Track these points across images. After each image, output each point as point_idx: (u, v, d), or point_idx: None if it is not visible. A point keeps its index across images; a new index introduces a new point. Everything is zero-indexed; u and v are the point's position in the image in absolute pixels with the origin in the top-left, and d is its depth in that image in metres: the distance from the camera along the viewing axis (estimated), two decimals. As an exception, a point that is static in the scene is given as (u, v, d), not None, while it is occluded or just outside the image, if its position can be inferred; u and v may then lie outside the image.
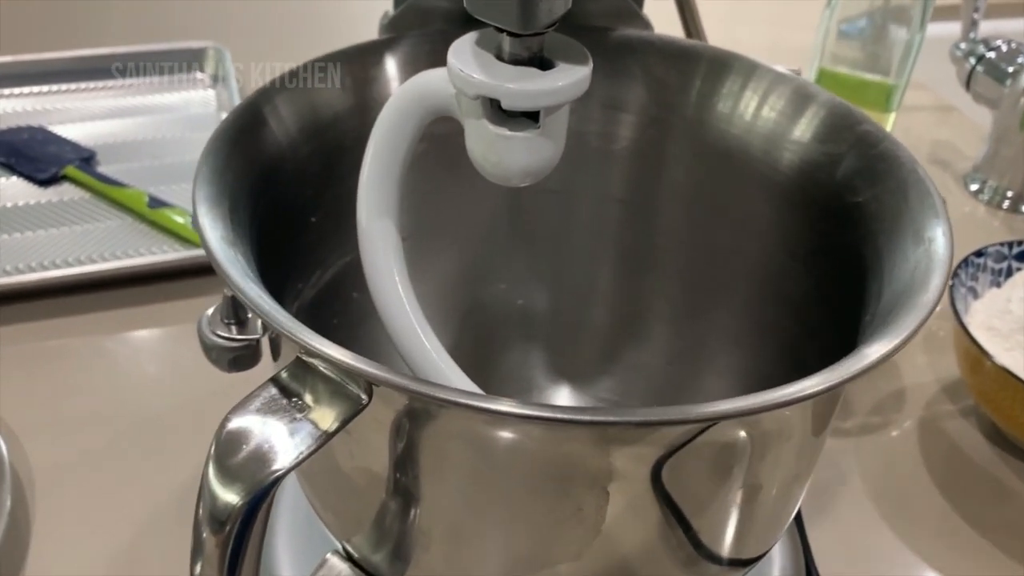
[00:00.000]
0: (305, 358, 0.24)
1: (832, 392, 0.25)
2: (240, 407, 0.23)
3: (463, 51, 0.25)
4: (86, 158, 0.59)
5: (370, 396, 0.23)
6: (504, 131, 0.25)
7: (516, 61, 0.24)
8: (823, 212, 0.33)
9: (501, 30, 0.24)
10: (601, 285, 0.40)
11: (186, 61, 0.69)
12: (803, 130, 0.33)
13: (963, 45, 0.67)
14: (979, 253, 0.50)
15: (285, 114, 0.32)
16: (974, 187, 0.67)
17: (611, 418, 0.21)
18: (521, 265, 0.40)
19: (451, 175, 0.38)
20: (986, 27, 0.68)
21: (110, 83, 0.68)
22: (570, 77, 0.24)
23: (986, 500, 0.43)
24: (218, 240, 0.25)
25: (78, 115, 0.65)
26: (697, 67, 0.35)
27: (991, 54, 0.65)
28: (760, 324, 0.36)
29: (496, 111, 0.25)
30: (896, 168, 0.30)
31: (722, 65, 0.34)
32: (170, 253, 0.52)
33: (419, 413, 0.24)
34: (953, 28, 0.68)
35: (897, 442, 0.46)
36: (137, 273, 0.51)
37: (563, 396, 0.42)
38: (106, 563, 0.38)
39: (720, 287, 0.37)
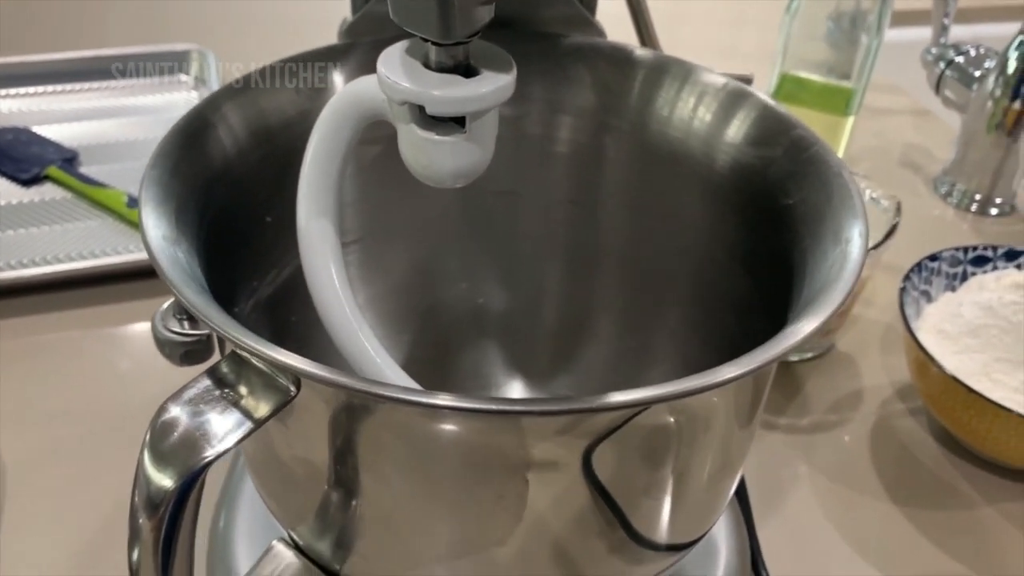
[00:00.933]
0: (239, 352, 0.25)
1: (737, 387, 0.26)
2: (175, 396, 0.25)
3: (392, 59, 0.26)
4: (68, 159, 0.61)
5: (298, 388, 0.25)
6: (432, 135, 0.26)
7: (442, 69, 0.25)
8: (759, 214, 0.34)
9: (426, 40, 0.25)
10: (552, 285, 0.41)
11: (170, 63, 0.70)
12: (738, 133, 0.34)
13: (934, 50, 0.68)
14: (933, 257, 0.50)
15: (234, 119, 0.33)
16: (943, 190, 0.68)
17: (512, 408, 0.22)
18: (474, 266, 0.41)
19: (404, 177, 0.39)
20: (964, 32, 0.69)
21: (94, 85, 0.69)
22: (493, 84, 0.25)
23: (931, 500, 0.44)
24: (159, 239, 0.26)
25: (62, 116, 0.66)
26: (637, 72, 0.36)
27: (960, 58, 0.66)
28: (704, 322, 0.37)
29: (424, 116, 0.26)
30: (824, 171, 0.31)
31: (660, 70, 0.35)
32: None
33: (345, 404, 0.25)
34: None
35: (850, 441, 0.47)
36: (113, 271, 0.53)
37: (519, 392, 0.43)
38: (75, 554, 0.39)
39: (665, 287, 0.38)
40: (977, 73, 0.65)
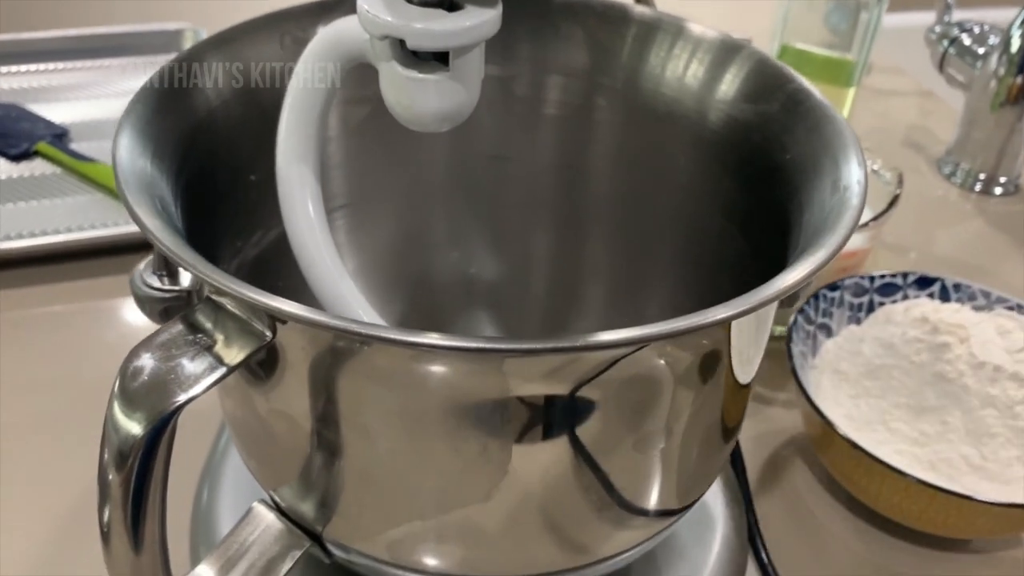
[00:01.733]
0: (214, 297, 0.24)
1: (730, 335, 0.25)
2: (146, 342, 0.24)
3: (374, -6, 0.25)
4: (58, 135, 0.60)
5: (274, 332, 0.24)
6: (414, 74, 0.25)
7: (424, 3, 0.24)
8: (754, 172, 0.33)
9: (408, -28, 0.24)
10: (542, 252, 0.40)
11: (163, 42, 0.69)
12: (733, 89, 0.33)
13: (937, 28, 0.67)
14: (833, 286, 0.45)
15: (218, 71, 0.32)
16: (947, 170, 0.67)
17: (499, 346, 0.21)
18: (465, 233, 0.40)
19: (392, 141, 0.38)
20: (967, 17, 0.67)
21: (86, 63, 0.68)
22: (477, 18, 0.24)
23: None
24: (129, 165, 0.26)
25: (54, 94, 0.65)
26: (630, 28, 0.35)
27: (964, 36, 0.65)
28: (698, 286, 0.36)
29: (406, 54, 0.25)
30: (822, 124, 0.30)
31: (653, 26, 0.34)
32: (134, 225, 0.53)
33: (324, 348, 0.24)
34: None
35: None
36: (102, 244, 0.52)
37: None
38: (59, 517, 0.39)
39: (657, 251, 0.37)
40: (981, 51, 0.64)
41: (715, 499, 0.39)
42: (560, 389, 0.24)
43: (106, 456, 0.23)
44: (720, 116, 0.34)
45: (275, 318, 0.24)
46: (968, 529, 0.38)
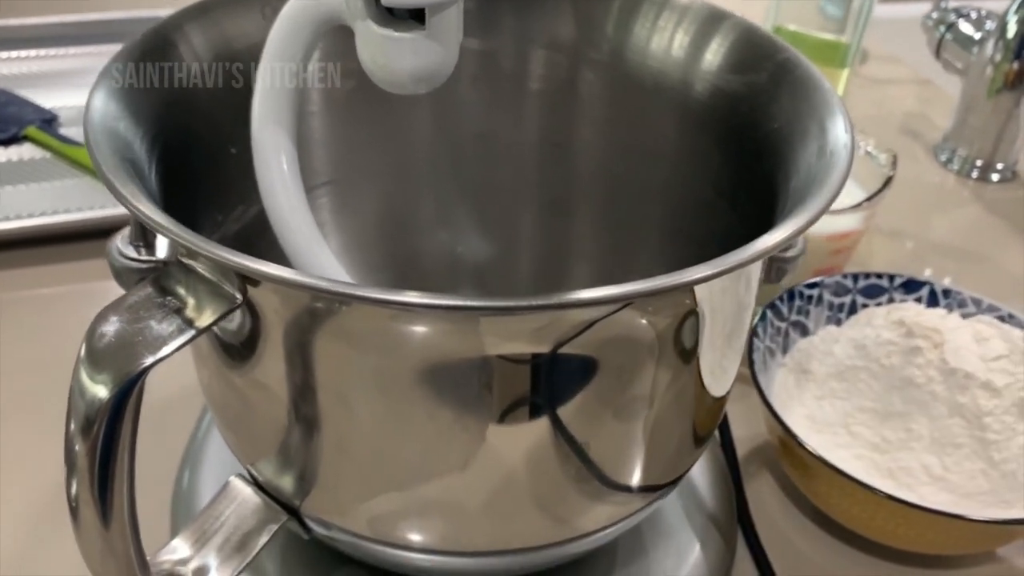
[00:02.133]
0: (184, 260, 0.24)
1: (712, 298, 0.25)
2: (115, 304, 0.23)
3: (349, -49, 0.24)
4: (48, 120, 0.60)
5: (245, 295, 0.23)
6: (390, 32, 0.25)
7: (399, -40, 0.24)
8: (743, 143, 0.32)
9: (382, -73, 0.23)
10: (529, 231, 0.40)
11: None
12: (720, 59, 0.33)
13: (934, 14, 0.66)
14: (812, 284, 0.43)
15: (196, 40, 0.32)
16: (943, 157, 0.66)
17: (470, 303, 0.20)
18: (451, 212, 0.40)
19: (377, 117, 0.38)
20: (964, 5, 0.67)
21: (78, 50, 0.68)
22: (452, -25, 0.24)
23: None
24: (105, 133, 0.25)
25: (44, 80, 0.65)
26: (614, 0, 0.34)
27: (960, 22, 0.64)
28: (688, 262, 0.36)
29: (381, 12, 0.25)
30: (811, 91, 0.30)
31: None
32: (121, 208, 0.52)
33: (298, 311, 0.23)
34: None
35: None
36: (89, 227, 0.51)
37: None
38: (42, 495, 0.38)
39: (644, 228, 0.37)
40: (977, 36, 0.63)
41: (702, 477, 0.39)
42: (539, 351, 0.23)
43: (72, 426, 0.23)
44: (707, 87, 0.33)
45: (246, 279, 0.23)
46: (920, 541, 0.36)
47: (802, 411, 0.40)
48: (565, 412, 0.25)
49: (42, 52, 0.68)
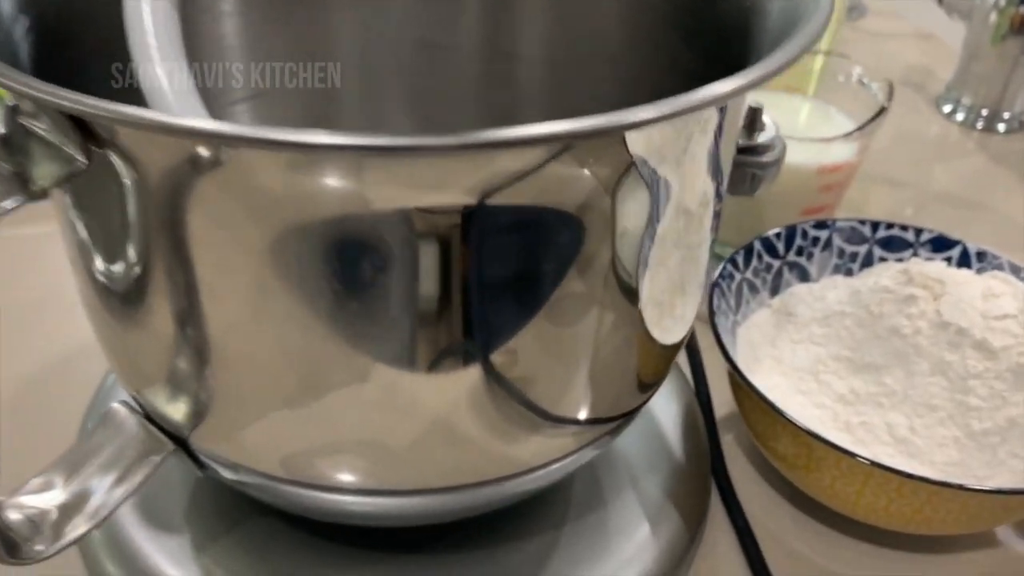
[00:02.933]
0: (24, 122, 0.20)
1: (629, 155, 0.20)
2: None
3: None
4: None
5: (89, 157, 0.19)
6: None
7: None
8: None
9: None
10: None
11: None
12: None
13: (935, -43, 0.62)
14: (821, 224, 0.37)
15: None
16: (947, 108, 0.62)
17: (400, 143, 0.16)
18: (386, 128, 0.36)
19: (301, 20, 0.34)
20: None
21: None
22: None
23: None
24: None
25: None
26: None
27: (964, -39, 0.60)
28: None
29: None
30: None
31: None
32: None
33: (161, 172, 0.19)
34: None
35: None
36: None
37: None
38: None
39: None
40: (982, -24, 0.59)
41: (676, 432, 0.34)
42: (460, 210, 0.19)
43: None
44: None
45: (89, 135, 0.19)
46: (878, 510, 0.31)
47: (772, 352, 0.35)
48: (486, 305, 0.21)
49: None
